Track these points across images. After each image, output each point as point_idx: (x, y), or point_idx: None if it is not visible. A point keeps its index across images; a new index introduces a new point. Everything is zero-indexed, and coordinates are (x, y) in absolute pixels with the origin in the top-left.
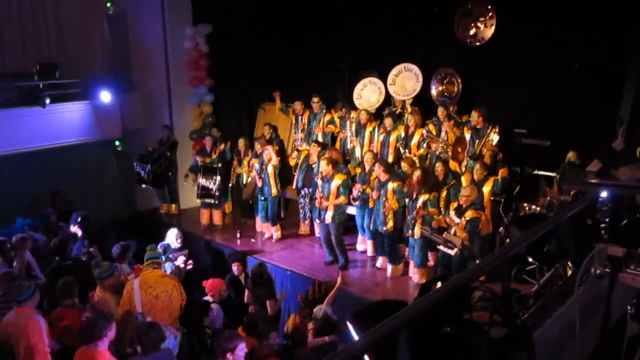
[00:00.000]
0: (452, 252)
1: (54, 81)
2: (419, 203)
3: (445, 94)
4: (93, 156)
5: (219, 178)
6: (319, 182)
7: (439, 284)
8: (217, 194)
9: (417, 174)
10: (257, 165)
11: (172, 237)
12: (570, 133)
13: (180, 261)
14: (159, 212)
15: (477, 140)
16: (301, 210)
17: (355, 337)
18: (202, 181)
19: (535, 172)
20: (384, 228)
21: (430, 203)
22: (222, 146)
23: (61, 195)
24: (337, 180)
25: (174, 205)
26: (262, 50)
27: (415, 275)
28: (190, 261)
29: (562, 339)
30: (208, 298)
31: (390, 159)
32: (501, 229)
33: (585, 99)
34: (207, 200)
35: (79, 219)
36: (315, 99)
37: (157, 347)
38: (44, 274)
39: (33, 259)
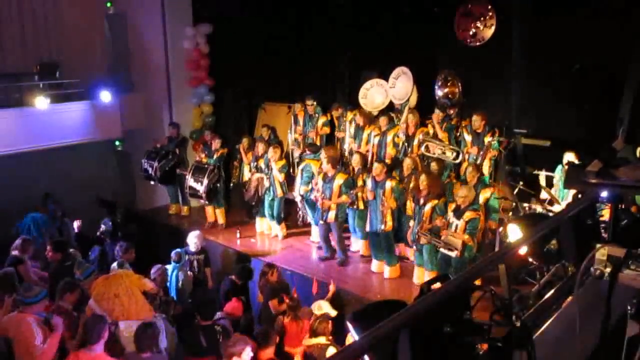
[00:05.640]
0: (453, 255)
1: (54, 81)
2: (427, 209)
3: (449, 96)
4: (93, 156)
5: (206, 181)
6: (320, 182)
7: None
8: (203, 195)
9: (422, 178)
10: (262, 166)
11: (191, 240)
12: (570, 133)
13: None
14: (167, 212)
15: (477, 145)
16: (300, 214)
17: (355, 337)
18: (190, 181)
19: (535, 172)
20: (382, 227)
21: (439, 209)
22: (225, 150)
23: (53, 197)
24: (340, 180)
25: (185, 208)
26: (262, 50)
27: (428, 276)
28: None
29: (562, 339)
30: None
31: (388, 160)
32: (501, 229)
33: (585, 99)
34: (196, 199)
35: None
36: (310, 102)
37: (153, 346)
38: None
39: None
